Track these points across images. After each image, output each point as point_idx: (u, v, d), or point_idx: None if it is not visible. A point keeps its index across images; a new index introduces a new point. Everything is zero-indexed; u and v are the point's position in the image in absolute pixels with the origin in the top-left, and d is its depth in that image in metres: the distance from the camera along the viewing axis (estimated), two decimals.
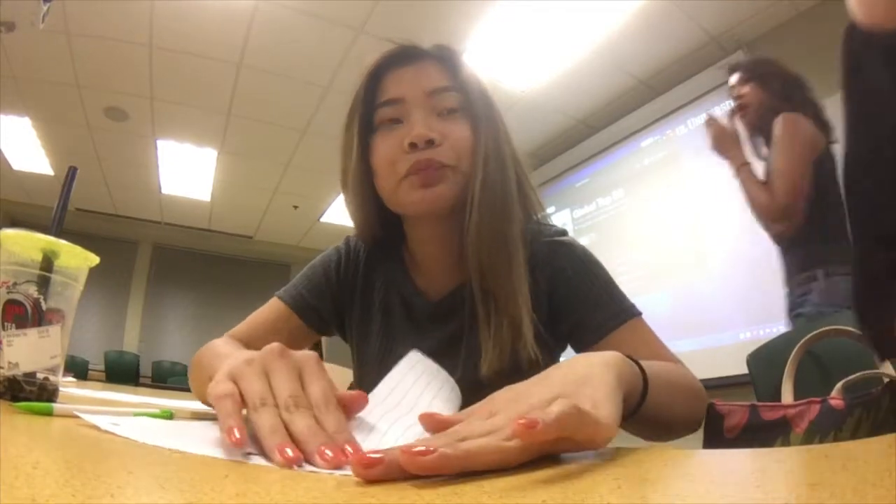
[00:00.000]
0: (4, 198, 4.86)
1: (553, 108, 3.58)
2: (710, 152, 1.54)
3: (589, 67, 3.14)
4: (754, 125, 1.52)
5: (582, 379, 0.35)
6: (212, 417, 0.45)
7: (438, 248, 0.69)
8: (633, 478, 0.25)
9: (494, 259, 0.61)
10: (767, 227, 1.41)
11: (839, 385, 0.67)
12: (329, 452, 0.28)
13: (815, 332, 0.80)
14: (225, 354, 0.59)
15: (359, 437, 0.34)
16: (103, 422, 0.34)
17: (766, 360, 0.95)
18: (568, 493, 0.22)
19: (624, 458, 0.31)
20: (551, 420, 0.26)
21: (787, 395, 0.75)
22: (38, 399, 0.46)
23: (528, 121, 3.62)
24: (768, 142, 1.46)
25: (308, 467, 0.27)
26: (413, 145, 0.60)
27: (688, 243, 3.04)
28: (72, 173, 0.59)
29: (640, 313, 0.64)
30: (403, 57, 0.66)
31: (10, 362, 0.45)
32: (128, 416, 0.40)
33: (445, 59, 0.67)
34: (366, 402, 0.37)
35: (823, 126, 1.48)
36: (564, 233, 0.71)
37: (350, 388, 0.70)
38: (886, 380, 0.62)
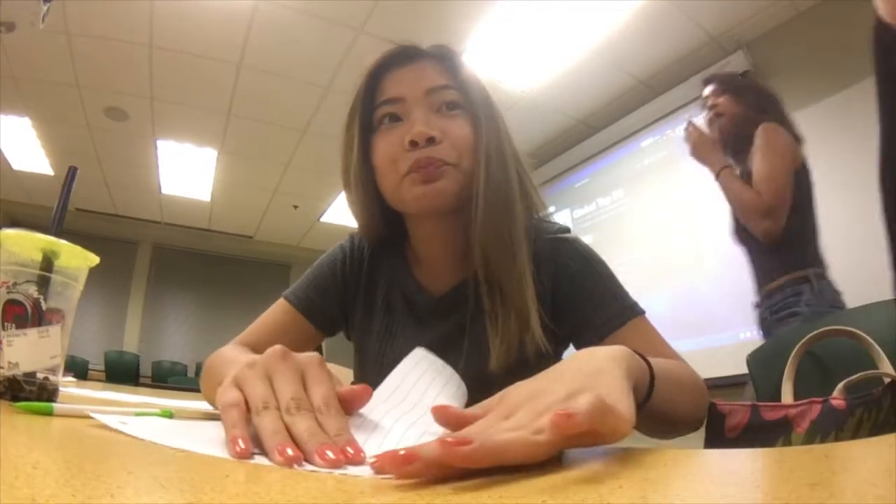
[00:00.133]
0: (4, 198, 4.86)
1: (553, 108, 3.58)
2: (691, 158, 1.58)
3: (589, 67, 3.14)
4: (729, 134, 1.56)
5: (594, 373, 0.34)
6: (213, 417, 0.45)
7: (440, 246, 0.69)
8: (633, 478, 0.25)
9: (499, 254, 0.62)
10: (756, 225, 1.42)
11: (840, 385, 0.67)
12: (330, 453, 0.28)
13: (815, 332, 0.80)
14: (231, 360, 0.60)
15: (363, 435, 0.35)
16: (112, 420, 0.35)
17: (766, 360, 0.95)
18: (568, 493, 0.22)
19: (624, 458, 0.31)
20: (584, 412, 0.27)
21: (787, 395, 0.75)
22: (38, 399, 0.46)
23: (528, 121, 3.62)
24: (741, 151, 1.51)
25: (308, 467, 0.27)
26: (414, 143, 0.61)
27: (687, 243, 3.04)
28: (72, 173, 0.59)
29: (643, 311, 0.64)
30: (403, 57, 0.66)
31: (10, 362, 0.45)
32: (132, 416, 0.40)
33: (444, 58, 0.67)
34: (370, 395, 0.37)
35: (797, 139, 1.53)
36: (567, 230, 0.72)
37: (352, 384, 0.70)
38: (887, 380, 0.62)
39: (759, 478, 0.22)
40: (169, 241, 6.02)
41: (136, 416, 0.41)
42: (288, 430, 0.30)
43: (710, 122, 1.57)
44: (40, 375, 0.46)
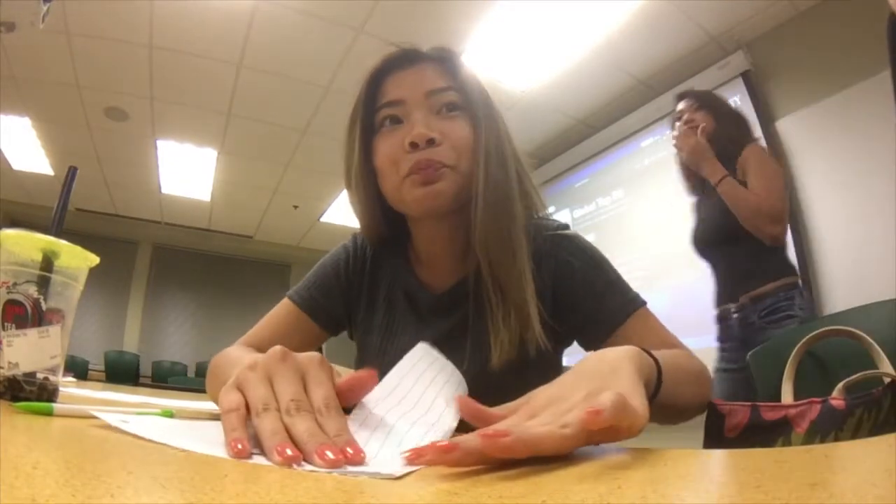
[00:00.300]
0: (4, 198, 4.86)
1: (553, 108, 3.58)
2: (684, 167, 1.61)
3: (589, 67, 3.14)
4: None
5: (609, 374, 0.36)
6: (214, 417, 0.45)
7: (441, 245, 0.70)
8: (633, 478, 0.25)
9: (499, 253, 0.63)
10: (765, 229, 1.44)
11: (840, 385, 0.67)
12: (329, 453, 0.28)
13: (815, 332, 0.80)
14: (235, 361, 0.61)
15: (365, 432, 0.35)
16: (113, 419, 0.35)
17: (766, 360, 0.95)
18: (568, 493, 0.22)
19: (624, 458, 0.31)
20: (609, 408, 0.29)
21: (786, 395, 0.75)
22: (38, 399, 0.46)
23: (528, 121, 3.62)
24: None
25: (308, 467, 0.27)
26: (414, 145, 0.61)
27: (687, 243, 3.03)
28: (72, 173, 0.59)
29: (644, 302, 0.66)
30: (404, 60, 0.67)
31: (10, 362, 0.45)
32: (132, 415, 0.40)
33: (444, 60, 0.68)
34: (375, 380, 0.38)
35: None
36: (567, 227, 0.72)
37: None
38: (887, 380, 0.62)
39: (759, 478, 0.22)
40: (169, 241, 6.01)
41: (137, 415, 0.41)
42: (288, 431, 0.31)
43: (685, 135, 1.60)
44: (40, 375, 0.46)
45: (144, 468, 0.24)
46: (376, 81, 0.67)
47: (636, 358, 0.40)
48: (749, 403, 0.61)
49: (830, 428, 0.56)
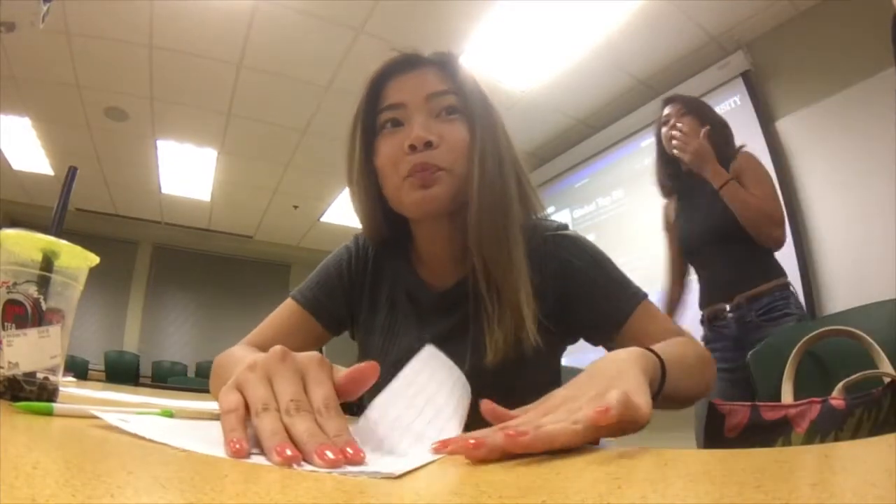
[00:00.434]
0: (4, 198, 4.86)
1: (553, 108, 3.58)
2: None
3: (589, 67, 3.14)
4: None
5: (617, 375, 0.40)
6: (214, 417, 0.45)
7: (441, 245, 0.71)
8: (633, 478, 0.25)
9: (495, 254, 0.64)
10: (770, 232, 1.46)
11: (840, 385, 0.67)
12: (329, 453, 0.28)
13: (815, 332, 0.80)
14: (237, 361, 0.62)
15: (380, 434, 0.37)
16: (113, 418, 0.35)
17: (766, 360, 0.95)
18: (568, 493, 0.22)
19: (624, 458, 0.31)
20: (616, 405, 0.32)
21: (786, 395, 0.76)
22: (38, 399, 0.46)
23: (528, 121, 3.62)
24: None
25: (307, 467, 0.27)
26: (413, 147, 0.63)
27: None
28: (72, 173, 0.59)
29: (646, 295, 0.68)
30: (405, 64, 0.69)
31: (10, 362, 0.45)
32: (133, 415, 0.40)
33: (444, 64, 0.69)
34: (377, 372, 0.38)
35: None
36: (566, 227, 0.74)
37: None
38: (887, 380, 0.63)
39: (759, 478, 0.22)
40: (169, 241, 6.01)
41: (137, 415, 0.41)
42: (287, 431, 0.30)
43: (669, 138, 1.62)
44: (40, 375, 0.46)
45: (144, 468, 0.24)
46: (378, 85, 0.69)
47: (641, 359, 0.44)
48: (749, 403, 0.61)
49: (830, 428, 0.56)
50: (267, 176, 4.64)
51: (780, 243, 1.49)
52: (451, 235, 0.69)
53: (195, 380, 4.75)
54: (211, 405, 0.65)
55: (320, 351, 0.77)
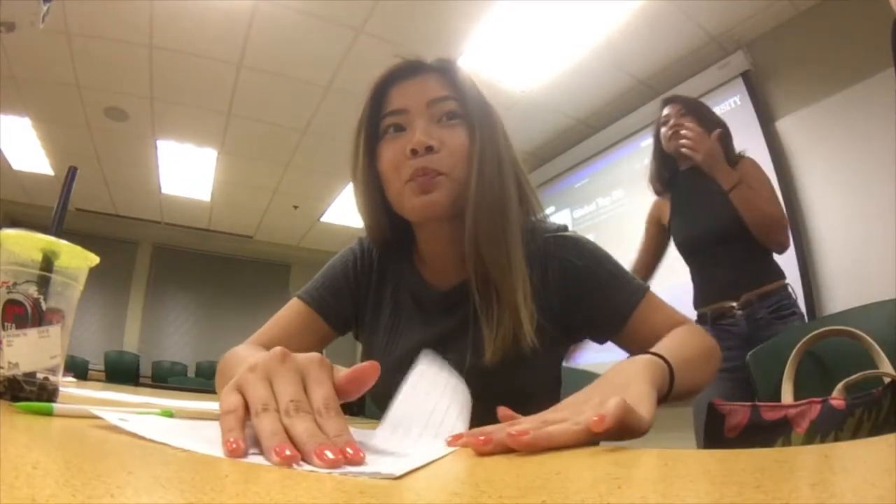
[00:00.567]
0: (4, 198, 4.86)
1: (553, 108, 3.58)
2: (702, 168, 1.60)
3: (589, 67, 3.14)
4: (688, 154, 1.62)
5: (624, 384, 0.44)
6: (214, 417, 0.45)
7: (442, 247, 0.73)
8: (633, 478, 0.25)
9: (493, 255, 0.65)
10: (777, 236, 1.48)
11: (840, 385, 0.67)
12: (329, 453, 0.28)
13: (815, 332, 0.80)
14: (240, 361, 0.63)
15: (395, 440, 0.39)
16: (112, 417, 0.35)
17: (766, 360, 0.95)
18: (568, 493, 0.22)
19: (624, 458, 0.31)
20: (612, 413, 0.35)
21: (786, 395, 0.76)
22: (38, 399, 0.46)
23: (528, 121, 3.62)
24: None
25: (307, 467, 0.27)
26: (414, 151, 0.65)
27: None
28: (72, 173, 0.59)
29: (648, 288, 0.69)
30: (407, 70, 0.71)
31: (10, 362, 0.45)
32: (132, 415, 0.40)
33: (446, 70, 0.71)
34: (377, 373, 0.38)
35: None
36: (566, 228, 0.75)
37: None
38: (887, 380, 0.63)
39: (759, 478, 0.22)
40: (169, 241, 6.01)
41: (136, 414, 0.41)
42: (287, 431, 0.30)
43: (669, 137, 1.63)
44: (40, 375, 0.46)
45: (144, 468, 0.24)
46: (381, 91, 0.71)
47: (650, 368, 0.48)
48: (749, 403, 0.61)
49: (830, 428, 0.56)
50: (267, 176, 4.64)
51: (784, 247, 1.50)
52: (452, 237, 0.70)
53: (195, 380, 4.76)
54: (211, 405, 0.65)
55: (320, 352, 0.78)
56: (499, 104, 0.73)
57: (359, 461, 0.28)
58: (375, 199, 0.72)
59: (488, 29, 2.82)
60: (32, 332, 0.46)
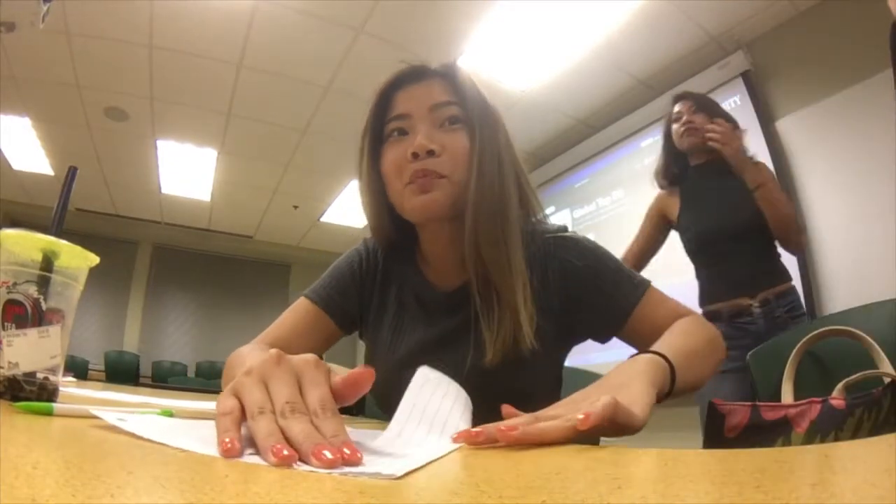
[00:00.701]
0: (4, 198, 4.86)
1: (553, 108, 3.58)
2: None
3: (589, 67, 3.14)
4: (701, 150, 1.62)
5: (623, 384, 0.46)
6: (213, 417, 0.45)
7: (444, 248, 0.74)
8: (633, 478, 0.25)
9: (493, 257, 0.66)
10: (795, 237, 1.50)
11: (840, 385, 0.67)
12: (327, 453, 0.28)
13: (815, 332, 0.80)
14: (242, 362, 0.64)
15: (401, 440, 0.41)
16: (111, 417, 0.35)
17: (766, 360, 0.95)
18: (568, 493, 0.22)
19: (624, 458, 0.31)
20: (598, 411, 0.37)
21: (787, 395, 0.76)
22: (38, 399, 0.46)
23: (528, 121, 3.62)
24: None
25: (305, 467, 0.27)
26: (415, 154, 0.66)
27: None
28: (72, 173, 0.59)
29: (649, 282, 0.70)
30: (412, 76, 0.73)
31: (10, 362, 0.45)
32: (130, 414, 0.40)
33: (449, 76, 0.73)
34: (372, 377, 0.38)
35: None
36: (565, 229, 0.76)
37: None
38: (887, 380, 0.63)
39: (759, 478, 0.22)
40: (169, 241, 6.01)
41: (134, 414, 0.41)
42: (284, 433, 0.30)
43: (681, 134, 1.63)
44: (40, 375, 0.46)
45: (144, 468, 0.24)
46: (387, 95, 0.73)
47: (650, 368, 0.50)
48: (749, 403, 0.61)
49: (830, 428, 0.56)
50: (267, 176, 4.63)
51: (801, 248, 1.53)
52: (453, 238, 0.71)
53: (195, 380, 4.76)
54: (211, 405, 0.65)
55: (325, 352, 0.79)
56: (499, 104, 0.74)
57: (356, 461, 0.28)
58: (380, 200, 0.73)
59: (488, 29, 2.82)
60: (32, 332, 0.46)
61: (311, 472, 0.26)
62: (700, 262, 1.65)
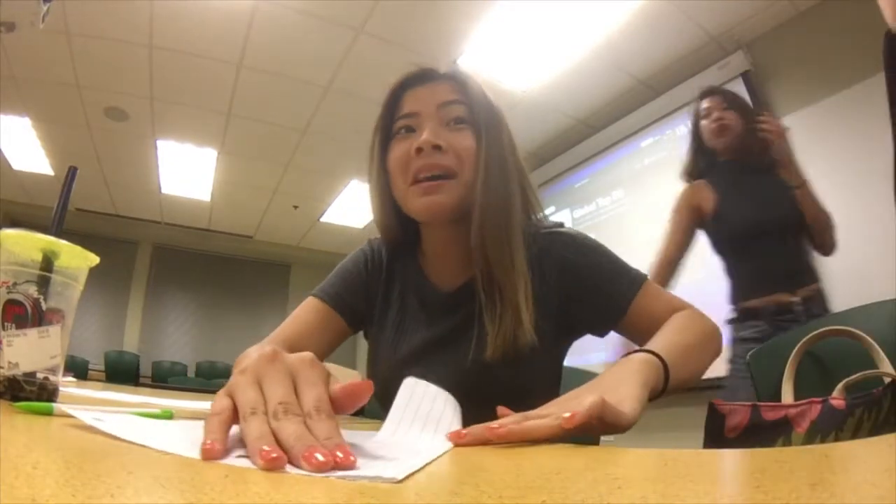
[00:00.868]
0: (4, 198, 4.86)
1: (553, 108, 3.58)
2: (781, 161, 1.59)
3: (589, 67, 3.14)
4: (733, 149, 1.61)
5: (615, 384, 0.47)
6: None
7: (447, 248, 0.75)
8: (633, 478, 0.25)
9: (498, 256, 0.68)
10: (830, 239, 1.51)
11: (840, 385, 0.67)
12: (319, 455, 0.27)
13: (815, 332, 0.80)
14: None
15: (395, 440, 0.41)
16: (86, 416, 0.34)
17: (766, 359, 0.95)
18: (568, 493, 0.22)
19: (624, 458, 0.31)
20: (584, 410, 0.38)
21: (787, 395, 0.75)
22: (38, 399, 0.46)
23: (528, 121, 3.62)
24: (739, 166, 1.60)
25: (295, 471, 0.26)
26: (420, 150, 0.67)
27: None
28: (72, 173, 0.59)
29: (646, 276, 0.71)
30: (421, 77, 0.75)
31: (10, 362, 0.45)
32: (119, 414, 0.40)
33: (457, 78, 0.75)
34: (370, 389, 0.37)
35: None
36: (561, 225, 0.77)
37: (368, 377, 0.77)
38: (887, 380, 0.62)
39: (759, 478, 0.22)
40: (169, 241, 6.01)
41: (137, 416, 0.41)
42: (275, 435, 0.29)
43: (714, 132, 1.61)
44: (40, 375, 0.46)
45: (144, 468, 0.24)
46: (396, 95, 0.75)
47: (643, 368, 0.50)
48: (749, 403, 0.61)
49: (830, 428, 0.56)
50: (267, 176, 4.63)
51: (834, 249, 1.53)
52: (457, 239, 0.72)
53: (195, 380, 4.76)
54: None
55: (334, 351, 0.80)
56: (506, 115, 0.75)
57: (349, 465, 0.27)
58: (386, 197, 0.75)
59: (488, 29, 2.82)
60: (32, 332, 0.46)
61: (303, 475, 0.26)
62: (735, 256, 1.58)
